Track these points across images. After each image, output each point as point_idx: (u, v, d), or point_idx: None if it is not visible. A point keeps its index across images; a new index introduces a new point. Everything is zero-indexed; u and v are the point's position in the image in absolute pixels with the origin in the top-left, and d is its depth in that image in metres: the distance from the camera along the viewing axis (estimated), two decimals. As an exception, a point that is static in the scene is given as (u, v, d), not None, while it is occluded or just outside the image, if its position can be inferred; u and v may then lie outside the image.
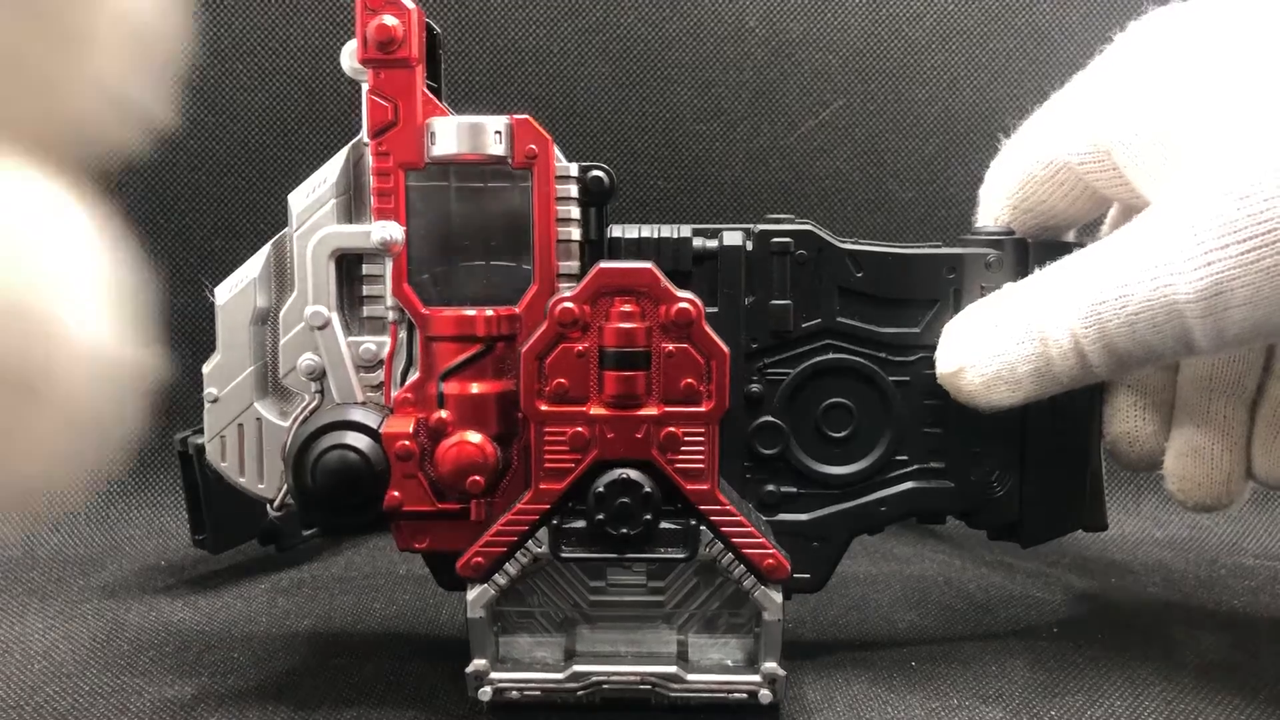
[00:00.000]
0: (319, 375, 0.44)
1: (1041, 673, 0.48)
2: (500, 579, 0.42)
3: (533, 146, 0.42)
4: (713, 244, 0.45)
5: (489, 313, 0.42)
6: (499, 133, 0.42)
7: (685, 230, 0.45)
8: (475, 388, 0.42)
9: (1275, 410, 0.48)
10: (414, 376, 0.43)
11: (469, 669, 0.43)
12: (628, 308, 0.41)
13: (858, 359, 0.46)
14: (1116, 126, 0.43)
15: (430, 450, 0.42)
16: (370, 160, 0.43)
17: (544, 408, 0.41)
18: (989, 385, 0.44)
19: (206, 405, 0.45)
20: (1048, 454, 0.48)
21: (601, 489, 0.41)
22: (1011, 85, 0.80)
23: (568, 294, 0.41)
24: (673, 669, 0.43)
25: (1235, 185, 0.37)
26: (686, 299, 0.41)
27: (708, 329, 0.41)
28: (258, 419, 0.45)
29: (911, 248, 0.47)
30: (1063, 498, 0.49)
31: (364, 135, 0.43)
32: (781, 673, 0.43)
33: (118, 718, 0.44)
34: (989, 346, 0.43)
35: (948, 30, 0.80)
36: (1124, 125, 0.43)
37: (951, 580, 0.62)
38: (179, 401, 0.46)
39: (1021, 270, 0.46)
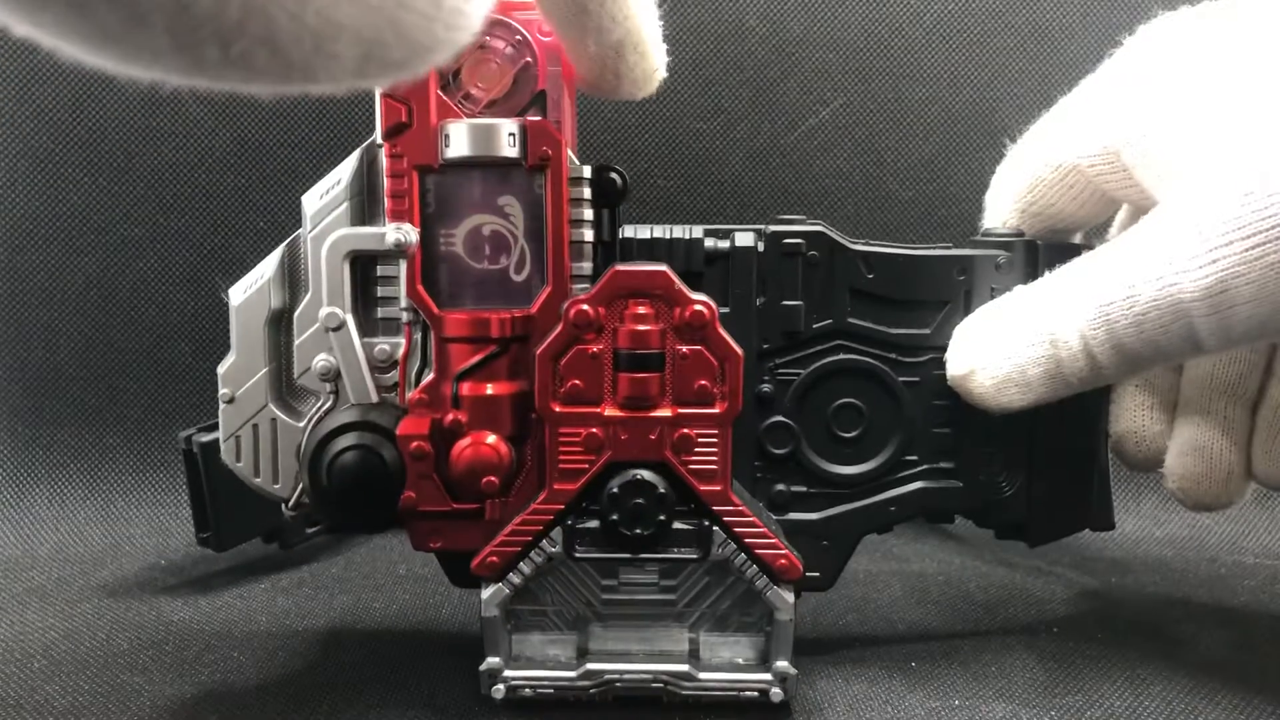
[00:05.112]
0: (334, 376, 0.44)
1: (1042, 672, 0.49)
2: (514, 578, 0.42)
3: (546, 149, 0.42)
4: (725, 245, 0.45)
5: (503, 314, 0.43)
6: (513, 135, 0.42)
7: (697, 231, 0.45)
8: (489, 389, 0.42)
9: (1275, 411, 0.48)
10: (428, 377, 0.43)
11: (483, 667, 0.43)
12: (642, 310, 0.41)
13: (868, 360, 0.46)
14: (1125, 127, 0.43)
15: (445, 451, 0.42)
16: (384, 162, 0.43)
17: (558, 409, 0.42)
18: (1000, 387, 0.44)
19: (221, 406, 0.45)
20: (1055, 454, 0.48)
21: (615, 490, 0.42)
22: (1011, 84, 0.80)
23: (583, 296, 0.41)
24: (684, 667, 0.43)
25: (1240, 183, 0.37)
26: (701, 301, 0.41)
27: (722, 331, 0.41)
28: (272, 420, 0.45)
29: (922, 249, 0.47)
30: (1070, 497, 0.49)
31: (378, 137, 0.43)
32: (793, 671, 0.43)
33: (118, 717, 0.44)
34: (1000, 349, 0.44)
35: (948, 28, 0.80)
36: (1133, 126, 0.43)
37: (952, 579, 0.63)
38: (181, 400, 0.46)
39: (1031, 272, 0.47)
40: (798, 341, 0.46)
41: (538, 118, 0.42)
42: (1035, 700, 0.46)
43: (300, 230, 0.44)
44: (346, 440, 0.42)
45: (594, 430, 0.41)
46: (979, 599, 0.59)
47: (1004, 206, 0.50)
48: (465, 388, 0.42)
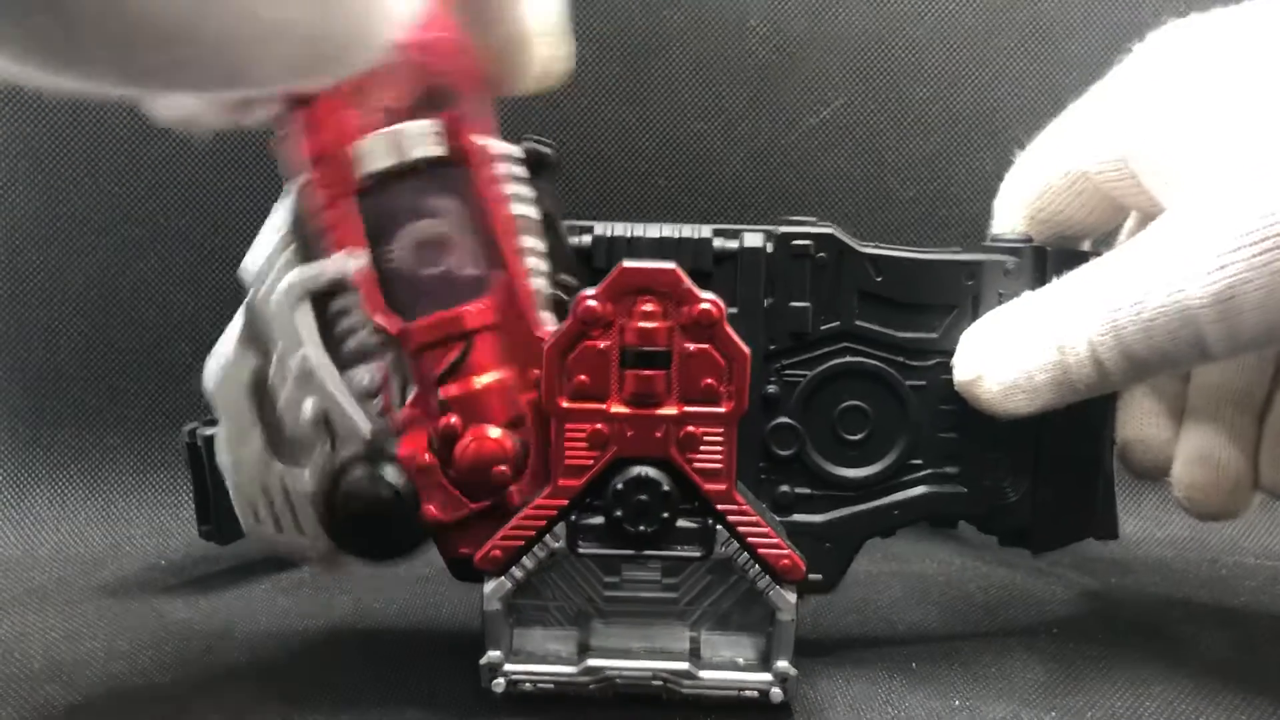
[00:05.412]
0: (324, 419, 0.44)
1: (1042, 673, 0.49)
2: (517, 572, 0.42)
3: (465, 140, 0.42)
4: (733, 245, 0.45)
5: (462, 309, 0.42)
6: (429, 135, 0.42)
7: (706, 231, 0.45)
8: (473, 383, 0.42)
9: None
10: (413, 392, 0.43)
11: (483, 660, 0.43)
12: (650, 307, 0.41)
13: (875, 363, 0.46)
14: (1134, 135, 0.44)
15: (449, 456, 0.42)
16: (313, 197, 0.42)
17: (565, 404, 0.41)
18: (1007, 394, 0.44)
19: (225, 474, 0.44)
20: (1061, 460, 0.48)
21: (620, 486, 0.41)
22: (1013, 84, 0.80)
23: (591, 291, 0.41)
24: (685, 665, 0.43)
25: (1248, 189, 0.37)
26: (709, 299, 0.41)
27: (729, 330, 0.41)
28: (280, 477, 0.44)
29: (931, 253, 0.47)
30: (1075, 505, 0.49)
31: (301, 174, 0.43)
32: (794, 671, 0.43)
33: (117, 717, 0.44)
34: (1007, 355, 0.44)
35: (949, 28, 0.80)
36: (1142, 133, 0.43)
37: (952, 580, 0.63)
38: (182, 400, 0.46)
39: (1040, 278, 0.46)
40: (805, 343, 0.46)
41: (452, 113, 0.42)
42: (1036, 701, 0.46)
43: (249, 295, 0.44)
44: (351, 478, 0.42)
45: (599, 426, 0.41)
46: (980, 600, 0.59)
47: (1012, 213, 0.50)
48: (449, 390, 0.42)
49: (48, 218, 0.77)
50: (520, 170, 0.43)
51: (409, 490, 0.42)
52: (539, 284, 0.43)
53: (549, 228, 0.44)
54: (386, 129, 0.42)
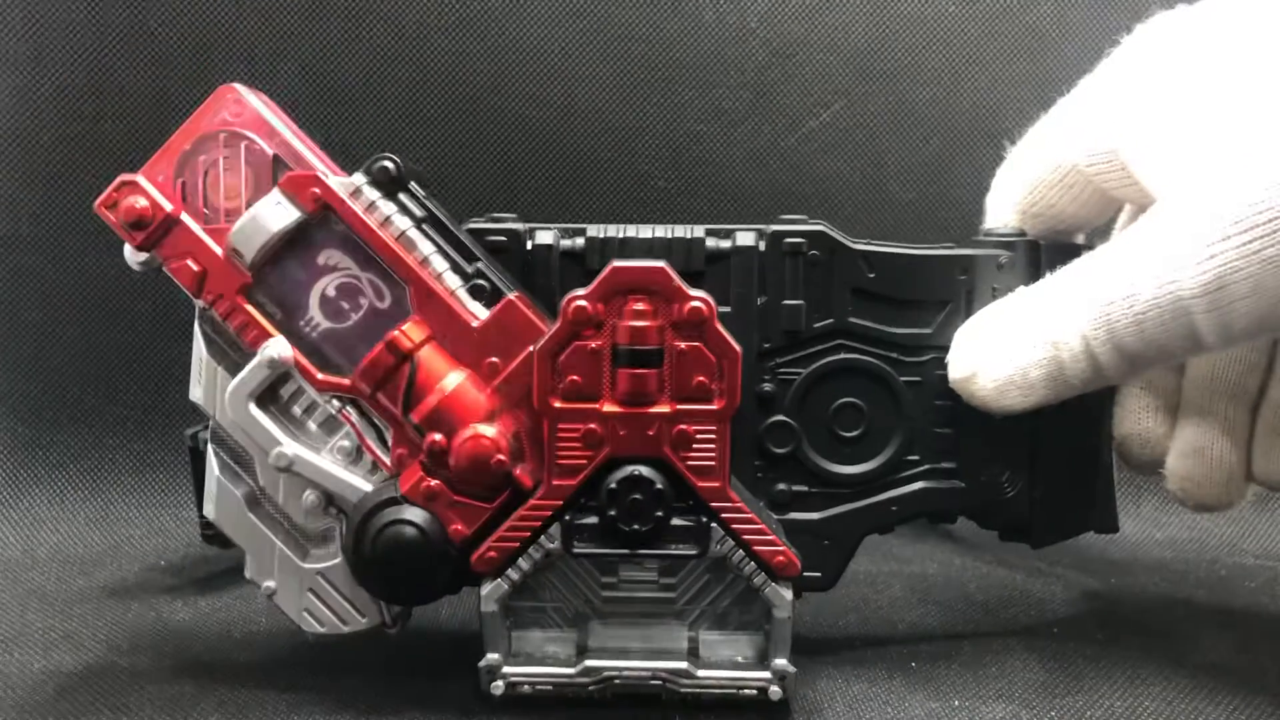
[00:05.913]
0: (327, 501, 0.44)
1: (1041, 673, 0.49)
2: (513, 574, 0.42)
3: (313, 190, 0.42)
4: (726, 244, 0.45)
5: (393, 334, 0.43)
6: (279, 203, 0.42)
7: (699, 230, 0.45)
8: (439, 392, 0.42)
9: (1276, 412, 0.48)
10: (391, 433, 0.44)
11: (482, 663, 0.43)
12: (641, 306, 0.41)
13: (870, 359, 0.46)
14: (1125, 128, 0.43)
15: (449, 471, 0.42)
16: (216, 314, 0.43)
17: (557, 404, 0.42)
18: (1002, 390, 0.44)
19: (271, 600, 0.45)
20: (1059, 455, 0.48)
21: (614, 485, 0.42)
22: (1011, 86, 0.80)
23: (581, 292, 0.41)
24: (683, 665, 0.43)
25: (1236, 179, 0.37)
26: (699, 297, 0.41)
27: (720, 327, 0.41)
28: (318, 573, 0.45)
29: (924, 249, 0.47)
30: (1073, 499, 0.49)
31: (197, 301, 0.44)
32: (792, 669, 0.43)
33: (118, 718, 0.44)
34: (1001, 352, 0.44)
35: (948, 31, 0.80)
36: (1131, 125, 0.43)
37: (952, 580, 0.63)
38: (181, 400, 0.46)
39: (1033, 271, 0.46)
40: (799, 341, 0.46)
41: (290, 176, 0.43)
42: (1036, 701, 0.46)
43: (208, 425, 0.45)
44: (372, 532, 0.42)
45: (593, 426, 0.41)
46: (979, 600, 0.59)
47: (1005, 208, 0.50)
48: (419, 412, 0.42)
49: (47, 216, 0.77)
50: (377, 192, 0.43)
51: (430, 521, 0.42)
52: (452, 280, 0.43)
53: (436, 227, 0.44)
54: (241, 217, 0.42)
